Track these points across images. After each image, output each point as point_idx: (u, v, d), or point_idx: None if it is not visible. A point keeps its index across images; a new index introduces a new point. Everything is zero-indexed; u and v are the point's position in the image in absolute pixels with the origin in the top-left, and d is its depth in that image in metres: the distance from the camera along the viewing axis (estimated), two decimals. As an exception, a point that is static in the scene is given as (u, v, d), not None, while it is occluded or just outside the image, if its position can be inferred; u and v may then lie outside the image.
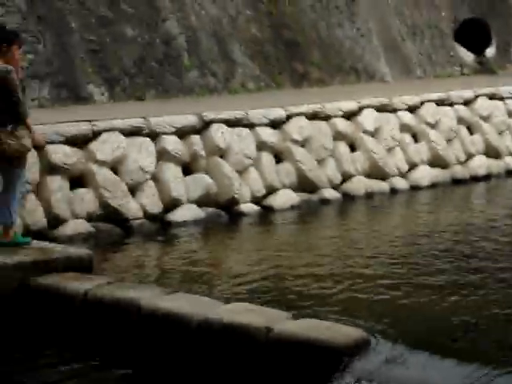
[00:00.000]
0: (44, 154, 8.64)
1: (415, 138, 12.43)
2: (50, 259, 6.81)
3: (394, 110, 12.24)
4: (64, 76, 11.59)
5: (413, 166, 12.18)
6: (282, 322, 5.36)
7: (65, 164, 9.02)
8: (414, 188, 11.95)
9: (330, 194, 11.10)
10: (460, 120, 12.97)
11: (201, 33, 13.49)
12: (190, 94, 12.94)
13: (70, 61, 11.73)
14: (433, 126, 12.59)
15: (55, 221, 8.87)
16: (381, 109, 12.07)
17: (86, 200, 9.11)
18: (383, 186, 11.68)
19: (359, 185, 11.44)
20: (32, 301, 6.51)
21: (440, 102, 12.81)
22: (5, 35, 7.04)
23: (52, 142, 8.85)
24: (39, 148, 7.22)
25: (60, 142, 9.01)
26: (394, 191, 11.71)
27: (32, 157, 7.93)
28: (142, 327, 5.91)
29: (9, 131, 6.85)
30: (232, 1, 14.20)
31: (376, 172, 11.70)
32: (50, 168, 8.93)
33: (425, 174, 12.16)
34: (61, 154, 8.98)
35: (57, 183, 8.94)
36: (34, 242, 7.24)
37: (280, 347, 5.21)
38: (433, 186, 12.13)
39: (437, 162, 12.39)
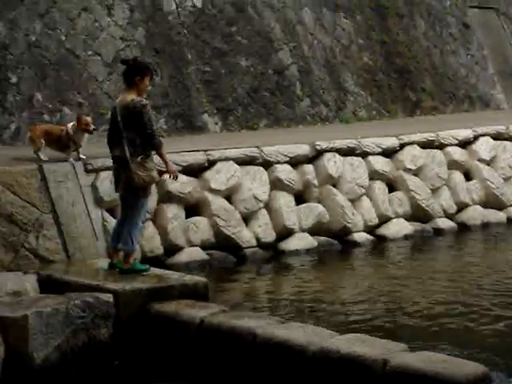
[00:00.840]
0: (161, 184, 8.85)
1: (533, 166, 12.07)
2: (167, 286, 6.94)
3: (511, 138, 11.94)
4: (180, 106, 11.89)
5: (531, 196, 11.82)
6: (399, 355, 5.28)
7: (181, 193, 9.21)
8: (533, 217, 11.59)
9: (444, 223, 10.90)
10: None
11: (313, 62, 13.58)
12: (301, 123, 13.03)
13: (186, 91, 12.02)
14: (552, 155, 12.20)
15: (171, 248, 9.06)
16: (497, 137, 11.80)
17: (200, 228, 9.27)
18: (500, 215, 11.38)
19: (475, 214, 11.19)
20: (150, 326, 6.64)
21: (559, 130, 12.41)
22: (139, 68, 7.26)
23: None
24: (173, 178, 7.38)
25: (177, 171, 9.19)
26: (511, 221, 11.38)
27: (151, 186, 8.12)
28: (257, 355, 5.93)
29: (139, 162, 7.05)
30: (344, 30, 14.24)
31: (492, 201, 11.42)
32: (166, 196, 9.14)
33: (544, 204, 11.78)
34: (177, 182, 9.17)
35: (173, 211, 9.14)
36: (152, 269, 7.40)
37: (397, 380, 5.12)
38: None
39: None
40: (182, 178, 9.27)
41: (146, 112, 7.05)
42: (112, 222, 8.36)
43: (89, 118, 8.87)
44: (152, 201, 8.82)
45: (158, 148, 7.12)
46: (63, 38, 11.19)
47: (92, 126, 8.76)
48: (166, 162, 7.20)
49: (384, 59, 14.55)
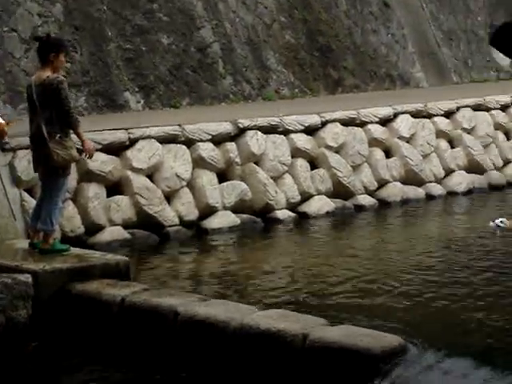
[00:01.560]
0: (81, 162, 8.73)
1: (451, 143, 12.35)
2: (88, 266, 6.88)
3: (430, 116, 12.18)
4: (100, 84, 11.72)
5: (449, 172, 12.10)
6: (319, 329, 5.35)
7: (102, 171, 9.11)
8: (451, 194, 11.88)
9: (364, 200, 11.07)
10: (497, 125, 12.86)
11: (235, 40, 13.55)
12: (224, 101, 13.01)
13: (107, 69, 11.85)
14: (469, 132, 12.51)
15: (93, 228, 8.96)
16: (416, 115, 12.02)
17: (122, 207, 9.19)
18: (419, 192, 11.62)
19: (395, 191, 11.40)
20: (71, 307, 6.57)
21: (476, 108, 12.72)
22: (53, 44, 7.12)
23: (89, 150, 8.93)
24: (89, 156, 7.29)
25: (97, 150, 9.08)
26: (430, 197, 11.64)
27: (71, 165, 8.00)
28: (179, 333, 5.94)
29: (57, 140, 6.94)
30: (266, 8, 14.24)
31: (412, 178, 11.65)
32: (87, 175, 9.03)
33: (461, 180, 12.08)
34: (98, 161, 9.07)
35: (94, 190, 9.03)
36: (72, 248, 7.31)
37: (316, 354, 5.20)
38: (469, 191, 12.04)
39: (473, 167, 12.30)
40: (103, 156, 9.17)
41: (63, 89, 6.94)
42: (31, 202, 8.23)
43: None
44: (72, 180, 8.70)
45: (74, 126, 7.02)
46: (-22, 14, 10.88)
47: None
48: (82, 141, 7.11)
49: (306, 37, 14.62)
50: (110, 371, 6.02)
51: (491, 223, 9.26)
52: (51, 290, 6.59)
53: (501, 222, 9.21)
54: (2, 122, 7.57)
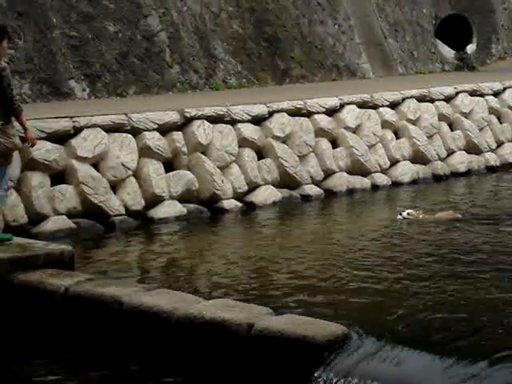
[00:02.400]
0: (25, 150, 8.60)
1: (396, 134, 12.49)
2: (31, 255, 6.79)
3: (376, 107, 12.29)
4: (45, 72, 11.55)
5: (394, 163, 12.24)
6: (263, 318, 5.38)
7: (46, 160, 8.99)
8: (396, 184, 12.02)
9: (311, 190, 11.13)
10: (441, 116, 13.04)
11: (183, 29, 13.47)
12: (171, 90, 12.94)
13: (51, 56, 11.69)
14: (414, 123, 12.66)
15: (36, 217, 8.84)
16: (362, 105, 12.12)
17: (67, 196, 9.09)
18: (365, 182, 11.73)
19: (341, 181, 11.49)
20: (13, 297, 6.49)
21: (421, 98, 12.88)
22: None
23: (33, 138, 8.80)
24: (31, 145, 7.20)
25: (41, 138, 8.97)
26: (375, 187, 11.77)
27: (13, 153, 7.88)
28: (124, 323, 5.90)
29: None
30: (214, -3, 14.19)
31: (357, 168, 11.75)
32: (31, 164, 8.90)
33: (406, 170, 12.23)
34: (42, 150, 8.95)
35: (38, 179, 8.91)
36: (15, 238, 7.21)
37: (261, 343, 5.22)
38: (414, 182, 12.20)
39: (418, 158, 12.46)
40: (47, 145, 9.05)
41: (5, 76, 6.83)
42: (-28, 191, 8.07)
43: None
44: (16, 168, 8.56)
45: (17, 114, 6.93)
46: None
47: None
48: (25, 129, 7.02)
49: (254, 27, 14.62)
50: (55, 362, 5.96)
51: (398, 216, 9.33)
52: (-7, 279, 6.48)
53: (407, 213, 9.31)
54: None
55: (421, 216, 9.29)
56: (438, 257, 7.69)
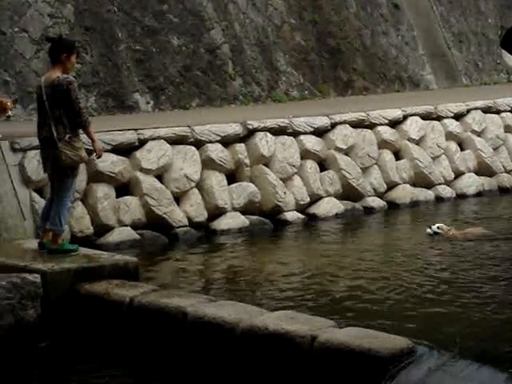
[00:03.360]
0: (91, 162, 8.75)
1: (461, 145, 12.32)
2: (97, 266, 6.89)
3: (440, 118, 12.15)
4: (110, 85, 11.74)
5: (459, 175, 12.07)
6: (327, 331, 5.35)
7: (111, 172, 9.12)
8: (460, 196, 11.85)
9: (374, 202, 11.05)
10: (507, 128, 12.82)
11: (245, 42, 13.56)
12: (234, 103, 13.02)
13: (117, 70, 11.88)
14: (479, 134, 12.48)
15: (101, 228, 8.97)
16: (426, 117, 12.00)
17: (131, 208, 9.20)
18: (428, 194, 11.59)
19: (404, 193, 11.38)
20: (79, 307, 6.59)
21: (486, 110, 12.68)
22: (65, 45, 7.16)
23: (99, 151, 8.94)
24: (98, 156, 7.33)
25: (107, 151, 9.11)
26: (439, 199, 11.62)
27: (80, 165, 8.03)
28: (188, 334, 5.94)
29: (66, 141, 6.96)
30: (277, 9, 14.24)
31: (421, 180, 11.62)
32: (96, 176, 9.04)
33: (471, 183, 12.05)
34: (108, 162, 9.09)
35: (103, 191, 9.05)
36: (81, 249, 7.32)
37: (324, 355, 5.19)
38: (479, 194, 12.01)
39: (483, 170, 12.27)
40: (113, 157, 9.19)
41: (73, 89, 6.96)
42: (40, 202, 8.25)
43: (9, 103, 8.51)
44: (82, 180, 8.72)
45: (85, 126, 7.04)
46: (-11, 14, 10.91)
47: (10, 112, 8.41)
48: (93, 141, 7.14)
49: (316, 39, 14.62)
50: (119, 371, 6.02)
51: (428, 230, 9.04)
52: (60, 290, 6.60)
53: (437, 227, 8.98)
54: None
55: (451, 233, 8.93)
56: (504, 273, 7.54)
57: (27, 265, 6.78)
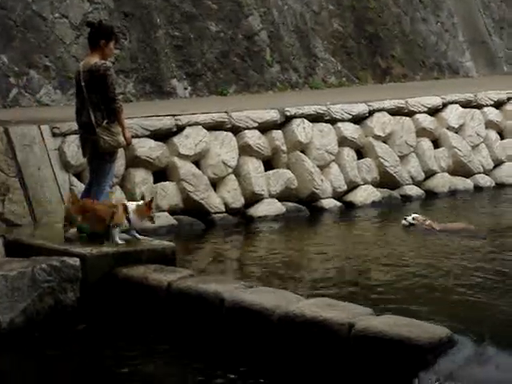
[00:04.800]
0: (129, 148, 8.78)
1: (501, 134, 12.17)
2: (135, 251, 6.93)
3: (480, 106, 12.01)
4: (148, 71, 11.79)
5: (498, 164, 11.93)
6: (365, 318, 5.33)
7: (149, 157, 9.17)
8: (499, 185, 11.71)
9: (411, 190, 10.97)
10: (547, 116, 12.64)
11: (283, 28, 13.51)
12: (271, 89, 12.99)
13: (155, 56, 11.92)
14: (519, 123, 12.32)
15: (139, 213, 9.00)
16: (465, 105, 11.86)
17: (168, 193, 9.24)
18: (467, 183, 11.48)
19: (443, 182, 11.28)
20: (117, 291, 6.64)
21: (527, 98, 12.51)
22: (104, 31, 7.18)
23: (137, 136, 9.00)
24: (127, 144, 7.36)
25: (145, 136, 9.15)
26: (478, 188, 11.50)
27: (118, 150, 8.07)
28: (224, 319, 5.96)
29: (104, 126, 7.00)
30: (315, -4, 14.17)
31: (460, 169, 11.51)
32: (134, 161, 9.09)
33: (510, 172, 11.90)
34: (146, 147, 9.13)
35: (141, 176, 9.09)
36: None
37: (362, 343, 5.18)
38: (519, 183, 11.87)
39: (524, 159, 12.11)
40: (151, 142, 9.23)
41: (109, 75, 6.99)
42: (79, 186, 8.32)
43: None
44: (120, 165, 8.77)
45: (117, 113, 7.05)
46: (30, 0, 10.99)
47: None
48: (123, 128, 7.14)
49: (354, 26, 14.52)
50: (155, 355, 6.06)
51: (403, 221, 8.91)
52: (98, 273, 6.65)
53: (412, 218, 8.84)
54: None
55: (427, 222, 8.77)
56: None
57: (67, 248, 6.84)
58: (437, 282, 6.89)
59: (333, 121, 10.63)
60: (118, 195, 8.86)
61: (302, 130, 10.29)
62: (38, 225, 7.91)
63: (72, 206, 6.87)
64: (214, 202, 9.46)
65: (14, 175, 7.97)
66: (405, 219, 8.93)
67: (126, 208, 6.86)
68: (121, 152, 8.68)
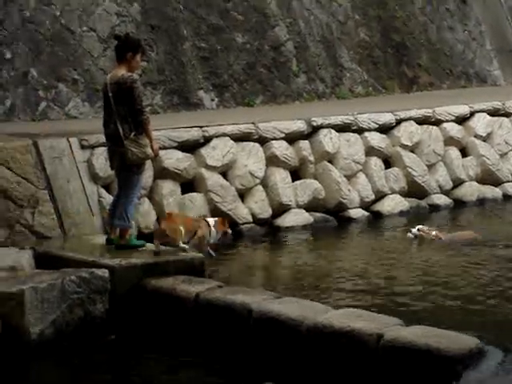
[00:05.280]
0: (157, 159, 8.82)
1: (530, 143, 12.07)
2: (163, 262, 6.96)
3: (508, 115, 11.93)
4: (175, 83, 11.85)
5: (527, 172, 11.83)
6: (393, 329, 5.31)
7: (177, 169, 9.21)
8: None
9: (439, 199, 10.91)
10: None
11: (309, 38, 13.53)
12: (298, 100, 13.00)
13: (182, 68, 11.98)
14: (548, 131, 12.21)
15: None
16: (493, 113, 11.79)
17: (196, 204, 9.27)
18: (496, 191, 11.40)
19: (471, 190, 11.21)
20: (146, 302, 6.67)
21: (556, 106, 12.39)
22: (131, 44, 7.24)
23: (165, 148, 9.05)
24: (155, 155, 7.40)
25: (172, 148, 9.20)
26: (507, 197, 11.41)
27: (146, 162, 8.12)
28: (252, 330, 5.96)
29: (132, 138, 7.04)
30: (341, 6, 14.17)
31: (488, 177, 11.43)
32: (162, 173, 9.14)
33: (540, 180, 11.80)
34: (173, 159, 9.17)
35: (169, 187, 9.14)
36: (148, 245, 7.41)
37: (391, 354, 5.15)
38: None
39: (553, 167, 11.99)
40: (178, 154, 9.27)
41: (136, 88, 7.04)
42: (108, 198, 8.38)
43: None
44: (148, 177, 8.81)
45: (144, 124, 7.10)
46: (58, 14, 11.12)
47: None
48: (150, 140, 7.17)
49: (381, 35, 14.49)
50: (182, 367, 6.07)
51: (409, 234, 8.83)
52: (127, 285, 6.69)
53: (417, 230, 8.74)
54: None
55: (433, 233, 8.68)
56: None
57: (96, 260, 6.89)
58: (465, 292, 6.84)
59: (360, 130, 10.62)
60: (146, 207, 8.91)
61: (328, 140, 10.28)
62: (67, 237, 7.97)
63: (169, 221, 7.23)
64: (241, 212, 9.47)
65: (44, 187, 8.05)
66: (410, 231, 8.85)
67: (208, 223, 7.43)
68: (148, 164, 8.73)
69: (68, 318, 6.32)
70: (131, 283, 6.70)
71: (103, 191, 8.61)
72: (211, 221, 7.52)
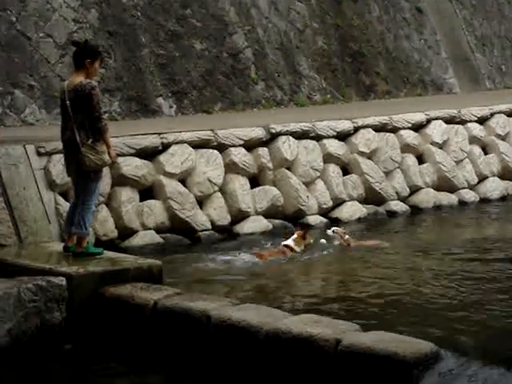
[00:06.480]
0: (115, 166, 8.78)
1: (485, 149, 12.26)
2: (121, 269, 6.93)
3: (463, 122, 12.11)
4: (134, 90, 11.81)
5: (482, 179, 12.01)
6: (352, 334, 5.34)
7: (135, 176, 9.17)
8: (484, 200, 11.79)
9: (397, 206, 11.03)
10: (531, 131, 12.75)
11: (268, 46, 13.59)
12: (256, 107, 13.04)
13: (140, 75, 11.95)
14: (503, 138, 12.41)
15: (125, 232, 9.02)
16: (449, 121, 11.95)
17: (155, 211, 9.24)
18: (452, 198, 11.55)
19: (427, 197, 11.34)
20: (104, 310, 6.62)
21: (510, 114, 12.62)
22: (89, 50, 7.20)
23: (123, 154, 9.01)
24: (112, 163, 7.37)
25: (131, 155, 9.16)
26: (462, 203, 11.57)
27: (104, 169, 8.08)
28: (211, 337, 5.96)
29: (89, 145, 7.00)
30: (299, 13, 14.26)
31: (444, 184, 11.58)
32: (120, 180, 9.09)
33: (495, 187, 11.99)
34: (131, 165, 9.14)
35: (127, 195, 9.10)
36: (106, 252, 7.37)
37: (349, 359, 5.19)
38: (502, 198, 11.94)
39: (507, 174, 12.20)
40: (136, 161, 9.24)
41: (95, 95, 7.00)
42: (65, 205, 8.31)
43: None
44: (106, 184, 8.77)
45: (102, 132, 7.06)
46: (14, 19, 11.02)
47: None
48: (108, 146, 7.14)
49: (338, 43, 14.62)
50: (141, 374, 6.05)
51: (328, 231, 9.13)
52: (85, 292, 6.64)
53: (333, 231, 9.04)
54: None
55: (346, 237, 8.96)
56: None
57: (52, 268, 6.83)
58: (419, 299, 6.91)
59: (318, 138, 10.69)
60: (103, 214, 8.85)
61: (287, 147, 10.33)
62: (23, 244, 7.88)
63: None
64: (200, 219, 9.47)
65: (-1, 195, 7.96)
66: (329, 229, 9.19)
67: (289, 247, 8.58)
68: (106, 170, 8.70)
69: (24, 326, 6.25)
70: (89, 291, 6.65)
71: (60, 198, 8.54)
72: (290, 242, 8.59)
